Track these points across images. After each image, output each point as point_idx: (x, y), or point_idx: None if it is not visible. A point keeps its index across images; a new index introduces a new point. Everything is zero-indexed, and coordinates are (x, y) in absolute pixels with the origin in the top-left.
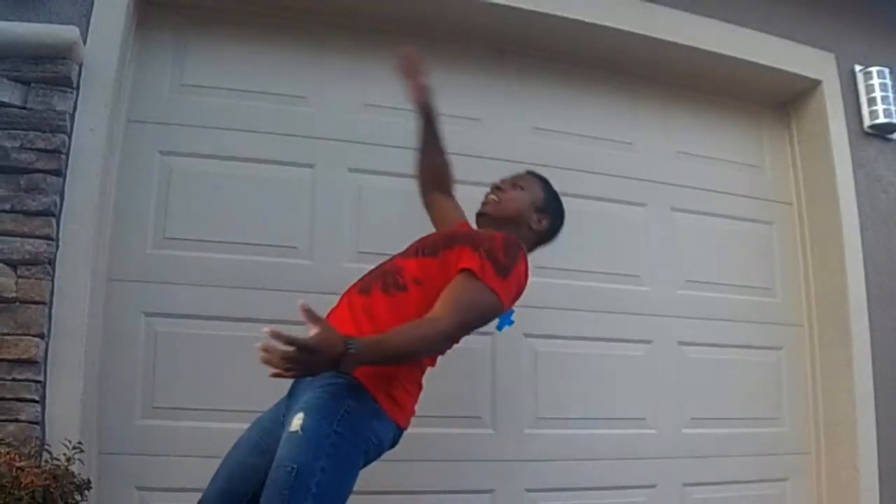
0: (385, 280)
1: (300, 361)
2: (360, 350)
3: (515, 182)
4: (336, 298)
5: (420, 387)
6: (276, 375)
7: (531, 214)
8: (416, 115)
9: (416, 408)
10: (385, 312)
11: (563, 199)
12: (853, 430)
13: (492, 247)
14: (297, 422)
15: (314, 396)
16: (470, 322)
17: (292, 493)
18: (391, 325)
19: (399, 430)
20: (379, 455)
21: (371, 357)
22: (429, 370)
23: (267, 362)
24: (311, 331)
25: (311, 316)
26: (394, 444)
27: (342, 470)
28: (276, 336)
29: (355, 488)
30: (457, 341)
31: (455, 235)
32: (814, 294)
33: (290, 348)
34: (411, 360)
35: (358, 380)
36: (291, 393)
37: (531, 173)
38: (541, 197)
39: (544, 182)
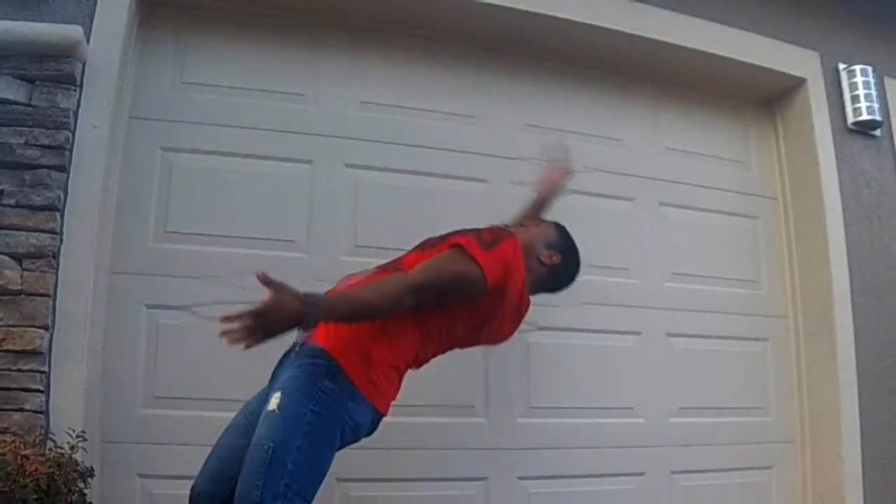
0: (387, 269)
1: (259, 327)
2: (321, 305)
3: (537, 221)
4: None
5: (399, 373)
6: (248, 346)
7: (541, 248)
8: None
9: (400, 396)
10: None
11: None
12: (837, 419)
13: (479, 230)
14: (274, 401)
15: (292, 377)
16: (438, 282)
17: (269, 471)
18: None
19: (377, 415)
20: (356, 438)
21: (334, 312)
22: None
23: (232, 341)
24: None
25: (266, 280)
26: (372, 429)
27: (318, 449)
28: (228, 318)
29: (351, 475)
30: (422, 302)
31: (453, 231)
32: (798, 287)
33: (246, 321)
34: (375, 315)
35: (336, 362)
36: (274, 375)
37: (553, 221)
38: (553, 236)
39: (560, 227)
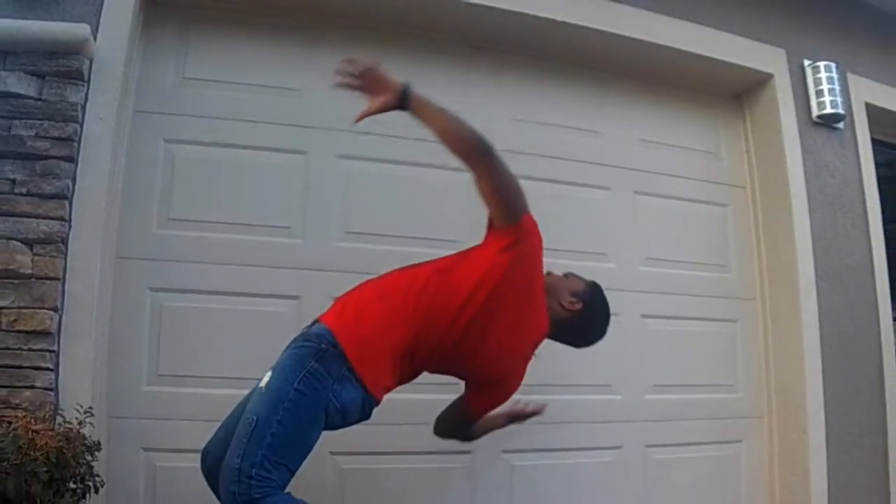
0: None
1: (369, 77)
2: (415, 95)
3: (568, 275)
4: (326, 274)
5: (394, 360)
6: (343, 85)
7: (565, 293)
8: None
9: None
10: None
11: (537, 183)
12: (802, 395)
13: None
14: (265, 379)
15: (284, 357)
16: (504, 168)
17: (250, 442)
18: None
19: (369, 399)
20: (344, 420)
21: (421, 105)
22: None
23: (343, 76)
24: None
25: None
26: (363, 414)
27: (299, 425)
28: (350, 60)
29: (343, 448)
30: (485, 167)
31: None
32: (766, 271)
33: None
34: (448, 137)
35: (335, 340)
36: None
37: (589, 280)
38: (581, 287)
39: (593, 283)
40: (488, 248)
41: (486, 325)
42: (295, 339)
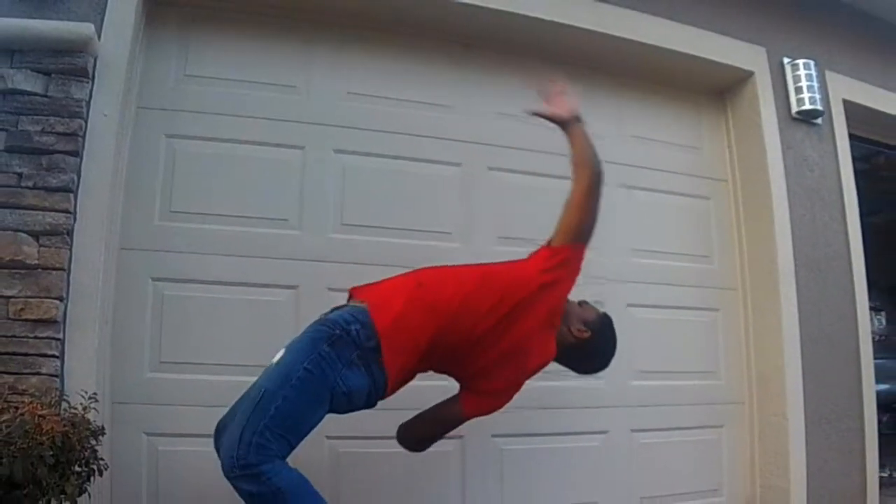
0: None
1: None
2: (581, 124)
3: (584, 303)
4: (322, 265)
5: (416, 350)
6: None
7: (576, 321)
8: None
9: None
10: None
11: (526, 177)
12: (782, 382)
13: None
14: (278, 356)
15: (299, 338)
16: (598, 199)
17: (254, 412)
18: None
19: (377, 388)
20: (349, 405)
21: (577, 132)
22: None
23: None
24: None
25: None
26: (368, 402)
27: (303, 402)
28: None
29: (339, 433)
30: (586, 192)
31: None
32: (747, 261)
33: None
34: (580, 156)
35: (347, 331)
36: None
37: (602, 311)
38: (592, 316)
39: (604, 314)
40: (533, 263)
41: (500, 335)
42: (313, 322)
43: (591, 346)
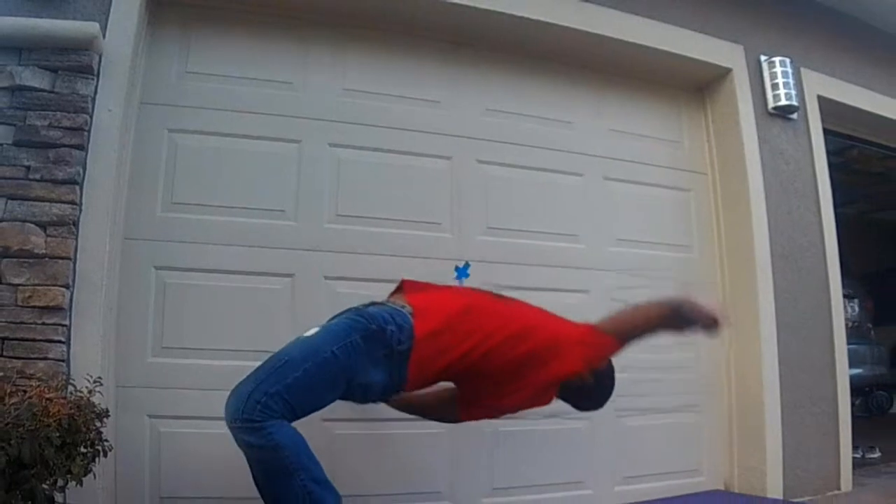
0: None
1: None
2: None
3: None
4: (317, 254)
5: (430, 371)
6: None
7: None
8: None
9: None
10: None
11: (514, 170)
12: (759, 367)
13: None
14: (311, 331)
15: (335, 321)
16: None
17: (272, 374)
18: None
19: (395, 387)
20: (364, 397)
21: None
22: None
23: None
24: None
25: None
26: (382, 397)
27: (319, 381)
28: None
29: (335, 416)
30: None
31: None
32: (725, 250)
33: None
34: (676, 313)
35: (381, 330)
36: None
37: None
38: (602, 368)
39: (611, 367)
40: (577, 332)
41: (520, 378)
42: (351, 309)
43: (590, 389)
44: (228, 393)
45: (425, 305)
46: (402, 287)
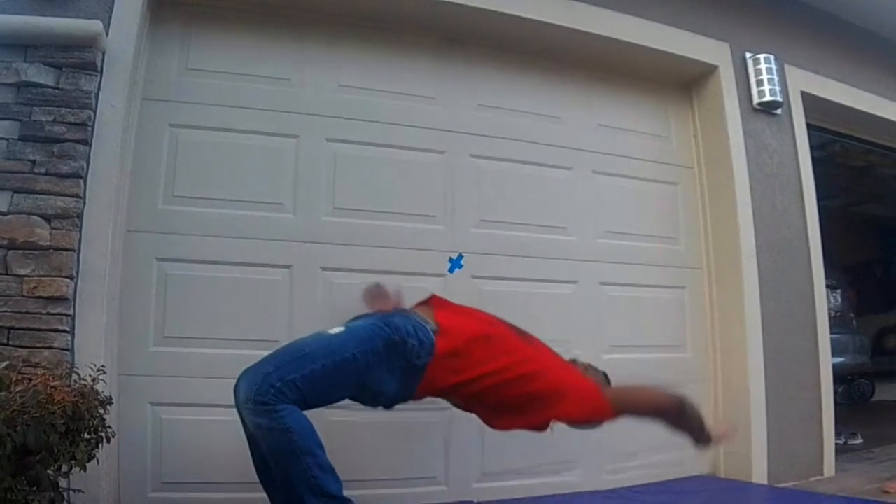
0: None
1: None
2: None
3: (586, 367)
4: (315, 246)
5: (440, 386)
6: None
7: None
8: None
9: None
10: None
11: (504, 164)
12: (744, 356)
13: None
14: (336, 329)
15: (363, 324)
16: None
17: (290, 362)
18: None
19: (404, 397)
20: (374, 402)
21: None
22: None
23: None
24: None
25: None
26: (388, 405)
27: (336, 379)
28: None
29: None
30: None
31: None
32: (711, 242)
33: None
34: (681, 411)
35: (402, 342)
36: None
37: (601, 371)
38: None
39: (605, 376)
40: (585, 387)
41: (515, 406)
42: (378, 315)
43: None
44: (235, 379)
45: (450, 325)
46: (431, 302)
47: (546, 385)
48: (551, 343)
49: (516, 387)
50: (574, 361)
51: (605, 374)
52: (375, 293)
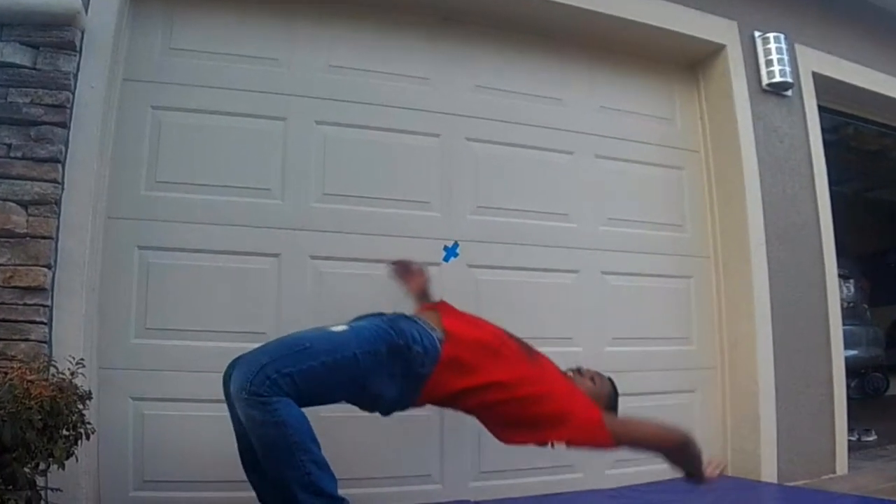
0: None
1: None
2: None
3: (592, 374)
4: (304, 233)
5: (440, 395)
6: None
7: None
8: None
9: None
10: None
11: (504, 148)
12: (753, 347)
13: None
14: (339, 327)
15: (366, 325)
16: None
17: (288, 355)
18: None
19: (402, 404)
20: (372, 406)
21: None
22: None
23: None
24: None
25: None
26: (386, 410)
27: (335, 377)
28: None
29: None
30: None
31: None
32: (719, 230)
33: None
34: (685, 449)
35: (406, 347)
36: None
37: (609, 377)
38: (606, 390)
39: (614, 385)
40: (589, 415)
41: (517, 423)
42: (381, 315)
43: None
44: (220, 373)
45: (458, 332)
46: (439, 307)
47: (549, 409)
48: (551, 339)
49: (518, 407)
50: (579, 370)
51: (611, 381)
52: (406, 268)
